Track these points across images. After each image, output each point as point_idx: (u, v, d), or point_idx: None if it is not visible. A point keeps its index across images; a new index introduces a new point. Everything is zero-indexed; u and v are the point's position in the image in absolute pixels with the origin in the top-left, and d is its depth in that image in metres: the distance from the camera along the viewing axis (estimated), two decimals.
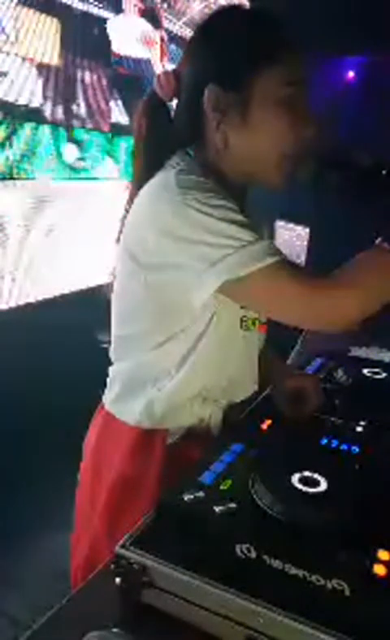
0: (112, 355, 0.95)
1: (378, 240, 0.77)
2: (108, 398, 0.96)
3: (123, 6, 2.76)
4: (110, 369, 0.97)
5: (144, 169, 0.84)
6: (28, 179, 2.28)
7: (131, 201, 0.86)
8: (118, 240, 0.88)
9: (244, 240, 0.72)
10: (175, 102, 0.87)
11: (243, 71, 0.79)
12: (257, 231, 0.75)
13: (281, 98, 0.79)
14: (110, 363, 0.97)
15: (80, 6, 2.43)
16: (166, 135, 0.85)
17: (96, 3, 2.53)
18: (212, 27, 0.84)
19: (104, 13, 2.61)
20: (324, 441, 0.84)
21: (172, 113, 0.87)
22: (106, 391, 0.97)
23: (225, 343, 0.86)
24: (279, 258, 0.73)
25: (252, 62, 0.78)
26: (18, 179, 2.24)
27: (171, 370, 0.86)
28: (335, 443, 0.84)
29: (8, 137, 2.15)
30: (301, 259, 3.81)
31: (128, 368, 0.92)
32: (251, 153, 0.83)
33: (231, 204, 0.75)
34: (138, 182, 0.84)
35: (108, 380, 0.97)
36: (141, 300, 0.85)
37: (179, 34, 3.26)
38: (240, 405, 0.96)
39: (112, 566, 0.59)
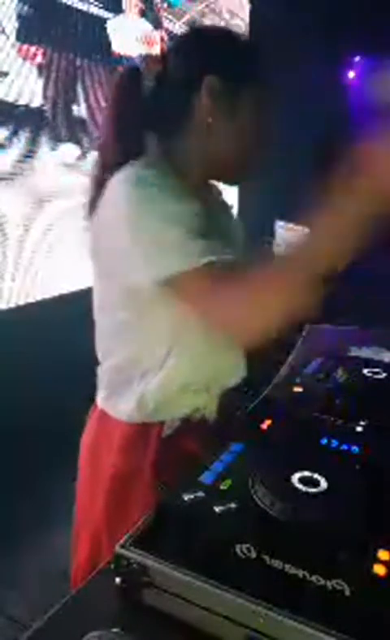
0: (98, 354, 0.96)
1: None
2: (100, 396, 0.97)
3: (123, 6, 2.76)
4: (98, 369, 0.97)
5: (114, 154, 0.83)
6: (28, 178, 2.28)
7: (95, 182, 0.85)
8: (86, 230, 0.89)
9: (182, 240, 0.73)
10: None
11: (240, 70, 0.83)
12: (210, 233, 0.76)
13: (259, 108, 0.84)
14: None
15: (80, 6, 2.43)
16: (139, 117, 0.84)
17: (96, 3, 2.53)
18: (204, 32, 0.91)
19: (104, 13, 2.61)
20: (324, 441, 0.84)
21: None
22: (98, 389, 0.98)
23: (208, 333, 0.86)
24: (210, 260, 0.72)
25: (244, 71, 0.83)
26: (18, 178, 2.24)
27: (156, 364, 0.87)
28: (335, 443, 0.84)
29: (9, 137, 2.15)
30: None
31: (115, 365, 0.92)
32: (227, 145, 0.85)
33: (185, 204, 0.76)
34: (105, 165, 0.84)
35: (98, 379, 0.98)
36: (110, 293, 0.86)
37: (179, 34, 3.26)
38: (236, 395, 0.96)
39: (112, 566, 0.59)
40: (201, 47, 0.85)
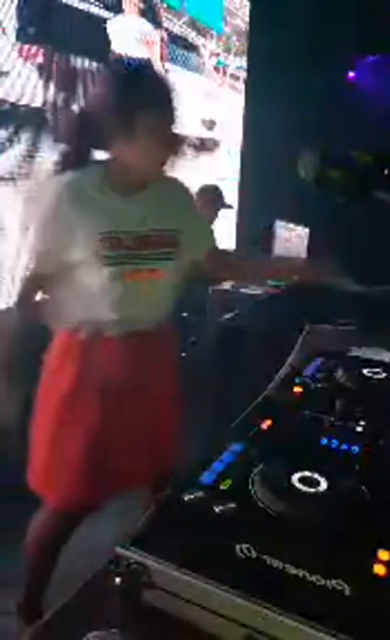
0: None
1: None
2: None
3: (123, 6, 2.76)
4: None
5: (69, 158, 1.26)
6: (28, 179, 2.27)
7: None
8: None
9: None
10: None
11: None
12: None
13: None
14: None
15: (80, 6, 2.43)
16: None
17: (96, 3, 2.53)
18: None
19: (104, 13, 2.61)
20: (324, 441, 0.84)
21: None
22: None
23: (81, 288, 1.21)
24: None
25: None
26: (18, 178, 2.24)
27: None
28: (335, 443, 0.84)
29: (9, 137, 2.15)
30: None
31: None
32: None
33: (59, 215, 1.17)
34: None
35: None
36: None
37: (179, 34, 3.26)
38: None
39: (112, 566, 0.59)
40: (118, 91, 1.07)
